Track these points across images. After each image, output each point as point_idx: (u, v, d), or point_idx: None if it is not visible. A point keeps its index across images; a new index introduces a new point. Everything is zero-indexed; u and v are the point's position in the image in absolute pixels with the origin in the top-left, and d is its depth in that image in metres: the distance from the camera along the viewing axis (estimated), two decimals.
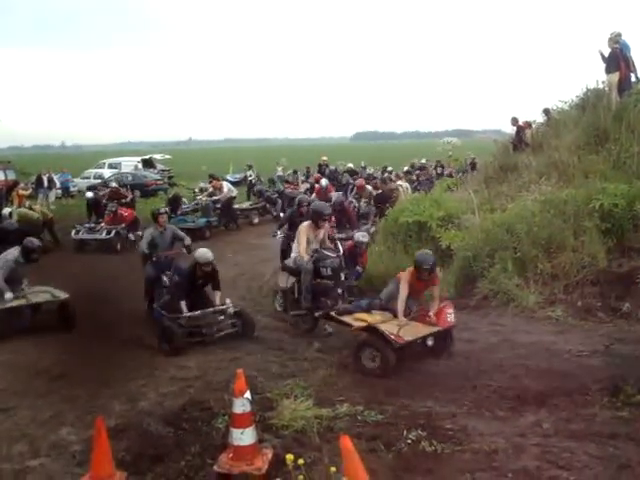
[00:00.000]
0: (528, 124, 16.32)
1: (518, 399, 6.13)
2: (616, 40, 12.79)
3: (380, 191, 16.53)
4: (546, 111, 16.06)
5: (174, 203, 19.45)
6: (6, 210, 17.48)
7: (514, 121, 16.59)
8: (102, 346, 8.44)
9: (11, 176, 27.41)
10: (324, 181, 17.61)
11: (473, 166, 20.29)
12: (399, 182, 18.85)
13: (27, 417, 6.30)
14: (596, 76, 14.20)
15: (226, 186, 20.04)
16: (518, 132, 16.11)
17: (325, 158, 28.89)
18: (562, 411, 5.80)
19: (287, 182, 25.16)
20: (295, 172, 28.36)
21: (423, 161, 30.78)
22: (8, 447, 5.65)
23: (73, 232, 17.15)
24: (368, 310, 7.90)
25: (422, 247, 11.10)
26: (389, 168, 26.86)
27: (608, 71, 13.07)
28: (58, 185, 29.64)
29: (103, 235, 16.64)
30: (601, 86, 13.93)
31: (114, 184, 21.27)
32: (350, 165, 29.11)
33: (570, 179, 11.30)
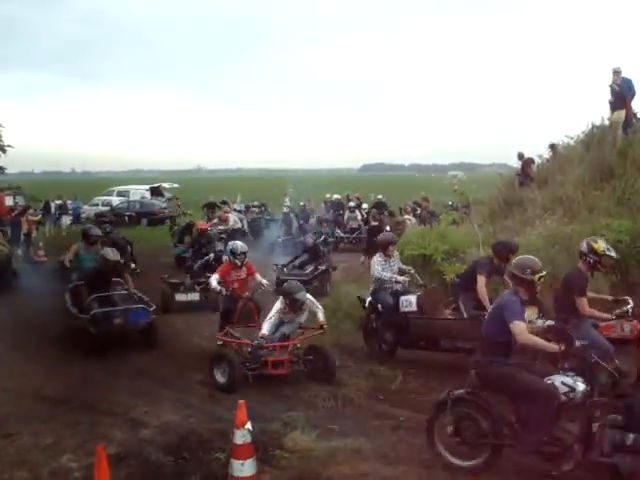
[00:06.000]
0: (532, 160, 16.26)
1: None
2: (618, 74, 12.96)
3: (376, 223, 16.88)
4: (552, 146, 16.11)
5: (186, 232, 18.80)
6: None
7: (520, 156, 16.66)
8: (108, 373, 8.49)
9: (21, 202, 27.58)
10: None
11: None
12: (406, 216, 18.91)
13: (29, 443, 6.32)
14: (601, 112, 14.30)
15: (232, 218, 19.71)
16: (524, 167, 16.17)
17: (329, 195, 27.39)
18: None
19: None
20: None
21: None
22: (10, 473, 5.67)
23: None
24: None
25: (429, 281, 11.13)
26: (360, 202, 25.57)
27: (614, 108, 13.16)
28: (70, 211, 29.85)
29: None
30: (607, 123, 14.00)
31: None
32: (337, 196, 27.32)
33: (575, 215, 11.33)
